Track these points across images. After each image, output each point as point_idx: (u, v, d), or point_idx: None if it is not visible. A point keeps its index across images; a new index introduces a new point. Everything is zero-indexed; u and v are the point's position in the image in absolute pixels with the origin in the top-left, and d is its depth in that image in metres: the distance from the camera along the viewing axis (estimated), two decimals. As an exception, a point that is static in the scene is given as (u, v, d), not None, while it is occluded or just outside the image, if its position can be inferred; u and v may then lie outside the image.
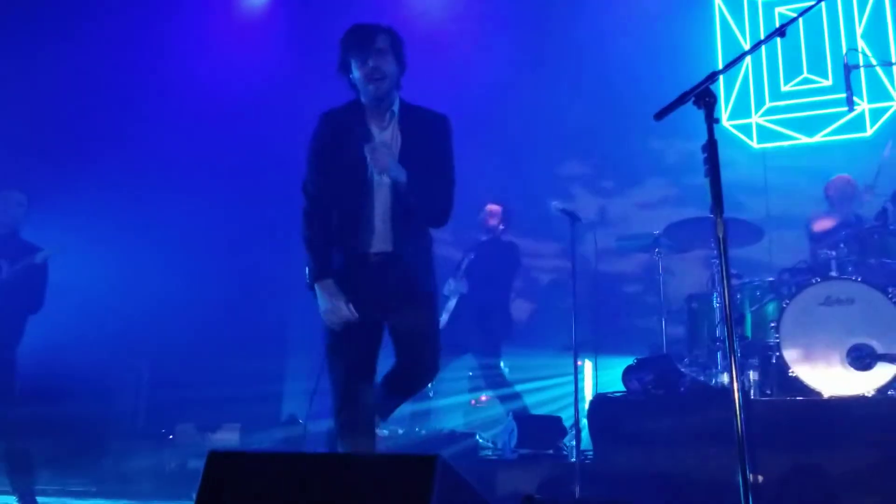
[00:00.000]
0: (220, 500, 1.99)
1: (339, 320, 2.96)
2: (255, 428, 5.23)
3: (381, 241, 3.04)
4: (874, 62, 6.77)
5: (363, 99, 3.14)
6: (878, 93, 6.98)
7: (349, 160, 3.06)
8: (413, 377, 3.19)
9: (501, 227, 6.26)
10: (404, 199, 3.03)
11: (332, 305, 2.96)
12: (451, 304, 6.08)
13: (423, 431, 5.65)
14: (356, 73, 3.09)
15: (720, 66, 2.86)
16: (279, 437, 5.09)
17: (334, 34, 3.17)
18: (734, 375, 2.46)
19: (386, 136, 3.11)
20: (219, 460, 2.04)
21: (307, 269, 3.05)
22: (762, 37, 3.12)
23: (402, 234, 3.05)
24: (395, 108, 3.16)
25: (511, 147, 7.64)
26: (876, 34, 7.04)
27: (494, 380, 6.07)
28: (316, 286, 3.00)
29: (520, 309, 6.64)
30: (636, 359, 5.12)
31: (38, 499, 4.61)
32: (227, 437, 5.03)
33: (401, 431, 5.80)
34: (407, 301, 3.05)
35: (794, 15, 3.13)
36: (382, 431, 5.90)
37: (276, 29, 8.06)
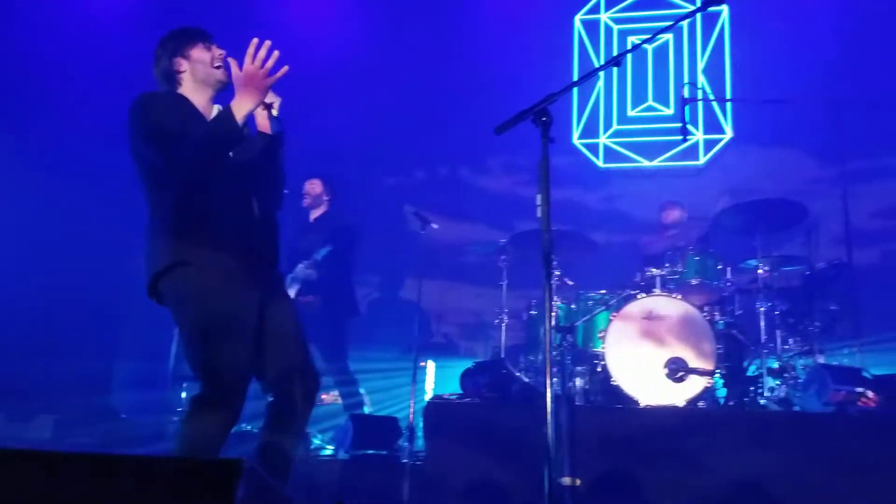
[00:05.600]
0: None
1: None
2: (73, 421, 4.85)
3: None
4: (710, 97, 7.31)
5: (189, 86, 2.97)
6: (712, 125, 7.50)
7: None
8: None
9: (326, 198, 5.90)
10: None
11: None
12: (293, 291, 5.81)
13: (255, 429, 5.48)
14: (200, 57, 2.97)
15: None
16: (100, 432, 4.80)
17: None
18: (548, 381, 2.58)
19: None
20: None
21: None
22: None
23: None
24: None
25: (362, 152, 7.65)
26: (715, 70, 7.55)
27: (342, 377, 5.77)
28: None
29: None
30: (474, 362, 5.27)
31: None
32: (40, 430, 4.71)
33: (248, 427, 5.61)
34: None
35: (642, 44, 3.34)
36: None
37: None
